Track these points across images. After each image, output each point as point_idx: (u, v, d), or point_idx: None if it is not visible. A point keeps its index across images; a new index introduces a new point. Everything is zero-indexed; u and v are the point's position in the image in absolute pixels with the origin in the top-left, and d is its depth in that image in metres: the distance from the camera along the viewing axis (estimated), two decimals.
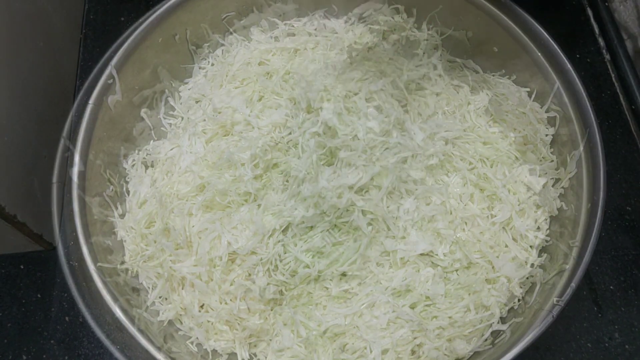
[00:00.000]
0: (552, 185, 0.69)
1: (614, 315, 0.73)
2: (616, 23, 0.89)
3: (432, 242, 0.65)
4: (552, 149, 0.70)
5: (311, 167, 0.62)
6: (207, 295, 0.63)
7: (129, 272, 0.66)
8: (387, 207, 0.66)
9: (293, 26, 0.79)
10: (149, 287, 0.65)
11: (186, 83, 0.79)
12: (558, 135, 0.70)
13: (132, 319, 0.63)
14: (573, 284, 0.57)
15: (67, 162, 0.63)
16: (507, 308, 0.64)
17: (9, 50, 0.70)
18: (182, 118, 0.70)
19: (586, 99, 0.65)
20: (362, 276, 0.63)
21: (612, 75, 0.88)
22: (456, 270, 0.64)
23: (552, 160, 0.69)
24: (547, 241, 0.66)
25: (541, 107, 0.71)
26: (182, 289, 0.64)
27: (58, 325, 0.72)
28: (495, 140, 0.73)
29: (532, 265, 0.64)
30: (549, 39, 0.67)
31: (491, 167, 0.70)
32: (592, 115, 0.64)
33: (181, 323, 0.64)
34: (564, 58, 0.66)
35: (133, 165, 0.70)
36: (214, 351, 0.63)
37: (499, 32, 0.69)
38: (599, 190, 0.61)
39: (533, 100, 0.72)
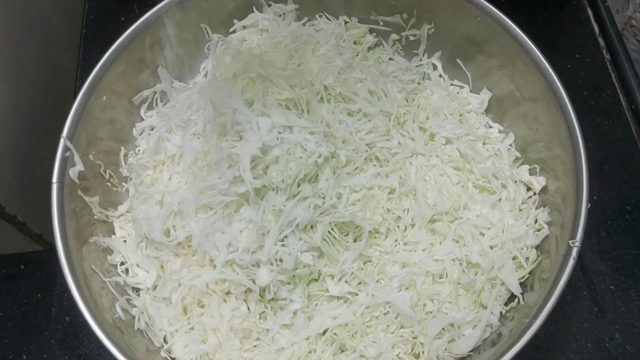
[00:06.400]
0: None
1: (614, 316, 0.72)
2: (616, 23, 0.89)
3: (432, 242, 0.65)
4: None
5: (311, 167, 0.62)
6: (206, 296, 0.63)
7: (129, 272, 0.67)
8: (387, 207, 0.66)
9: (293, 26, 0.78)
10: (148, 287, 0.65)
11: (186, 83, 0.79)
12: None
13: (132, 319, 0.63)
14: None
15: (67, 162, 0.63)
16: (507, 308, 0.64)
17: (10, 51, 0.70)
18: (182, 118, 0.70)
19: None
20: (362, 276, 0.63)
21: (612, 75, 0.88)
22: (456, 270, 0.64)
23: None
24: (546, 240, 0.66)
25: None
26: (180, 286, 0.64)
27: (58, 325, 0.72)
28: (496, 139, 0.73)
29: (532, 264, 0.64)
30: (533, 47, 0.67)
31: (491, 166, 0.70)
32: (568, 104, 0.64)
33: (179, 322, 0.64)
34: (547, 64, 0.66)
35: (133, 165, 0.70)
36: None
37: (499, 31, 0.69)
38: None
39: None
